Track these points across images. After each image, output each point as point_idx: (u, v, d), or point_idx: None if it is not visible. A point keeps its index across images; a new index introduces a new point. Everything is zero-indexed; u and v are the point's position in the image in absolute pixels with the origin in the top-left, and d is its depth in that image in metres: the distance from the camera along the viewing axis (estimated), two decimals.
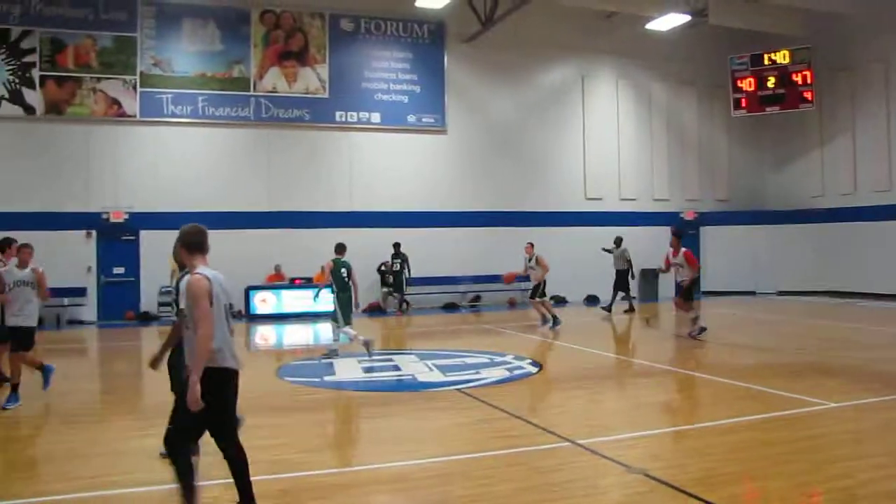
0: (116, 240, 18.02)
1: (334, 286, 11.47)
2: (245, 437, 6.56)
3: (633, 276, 18.50)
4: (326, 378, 9.74)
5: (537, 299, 15.26)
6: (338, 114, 19.34)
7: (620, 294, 18.09)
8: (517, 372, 9.79)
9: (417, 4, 18.27)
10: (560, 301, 20.65)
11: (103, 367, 12.34)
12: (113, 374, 11.64)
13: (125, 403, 8.96)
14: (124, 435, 6.99)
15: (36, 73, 17.75)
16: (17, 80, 17.65)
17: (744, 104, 22.02)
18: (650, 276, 21.99)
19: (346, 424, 7.40)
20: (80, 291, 17.78)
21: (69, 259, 17.59)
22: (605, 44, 21.30)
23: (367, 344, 11.07)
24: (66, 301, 17.70)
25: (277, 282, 18.66)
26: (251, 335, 15.94)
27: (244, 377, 10.04)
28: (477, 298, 20.14)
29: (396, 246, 18.76)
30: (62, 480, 5.51)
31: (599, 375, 9.81)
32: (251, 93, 18.87)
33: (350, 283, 11.49)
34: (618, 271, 18.08)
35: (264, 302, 18.29)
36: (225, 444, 4.50)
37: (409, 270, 18.76)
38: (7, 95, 17.57)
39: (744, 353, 11.70)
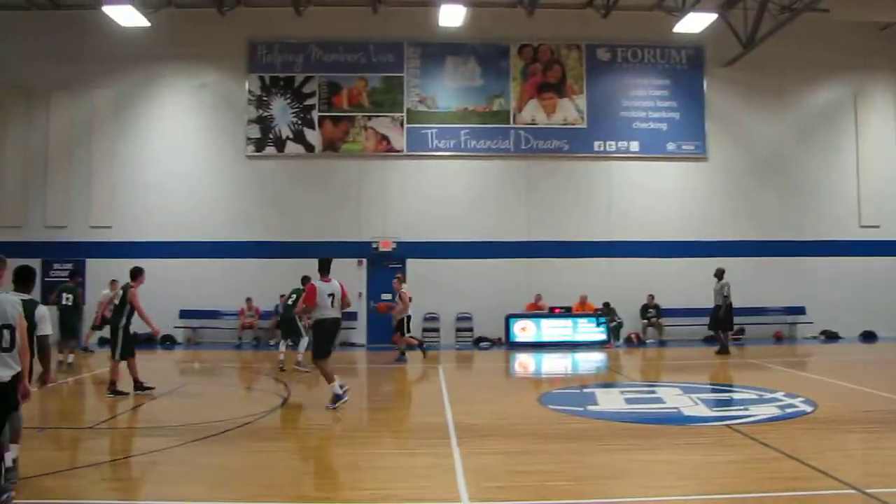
0: (384, 268, 19.98)
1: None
2: (512, 462, 7.22)
3: (730, 314, 17.08)
4: (590, 407, 10.12)
5: (398, 335, 16.05)
6: (596, 143, 20.48)
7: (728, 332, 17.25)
8: (790, 410, 9.62)
9: (675, 30, 19.03)
10: (832, 337, 20.35)
11: (371, 388, 13.60)
12: (381, 394, 12.78)
13: (394, 423, 9.93)
14: (397, 452, 7.83)
15: (315, 115, 20.38)
16: (299, 122, 20.37)
17: None
18: None
19: (612, 455, 7.50)
20: (352, 316, 19.86)
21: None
22: (881, 59, 20.98)
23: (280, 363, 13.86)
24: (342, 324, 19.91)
25: (537, 311, 19.88)
26: (511, 362, 17.02)
27: (508, 403, 10.66)
28: (740, 332, 20.28)
29: None
30: (348, 489, 6.34)
31: (882, 419, 9.23)
32: (511, 125, 20.46)
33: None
34: (715, 307, 17.10)
35: (524, 330, 19.46)
36: None
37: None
38: (291, 135, 20.31)
39: None
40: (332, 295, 10.22)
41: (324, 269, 10.43)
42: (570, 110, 20.48)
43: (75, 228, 20.27)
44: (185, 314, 19.58)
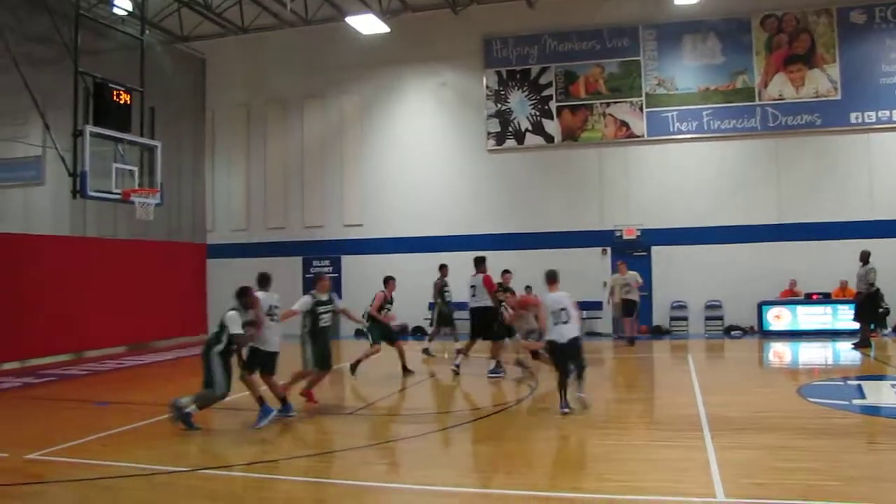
0: (629, 256, 21.28)
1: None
2: (772, 458, 7.12)
3: (881, 305, 16.10)
4: (856, 401, 10.04)
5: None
6: (853, 115, 20.38)
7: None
8: None
9: None
10: None
11: (619, 377, 14.31)
12: (628, 385, 13.36)
13: (644, 413, 10.37)
14: (647, 443, 8.05)
15: (553, 105, 21.94)
16: (537, 113, 22.05)
17: None
18: None
19: (886, 455, 7.31)
20: (597, 305, 21.35)
21: (585, 275, 21.17)
22: None
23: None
24: (584, 314, 21.49)
25: (792, 297, 20.39)
26: (765, 352, 17.40)
27: (764, 394, 10.83)
28: None
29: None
30: (598, 480, 6.61)
31: None
32: (756, 102, 20.88)
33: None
34: (857, 294, 16.10)
35: (778, 318, 19.93)
36: None
37: None
38: (531, 127, 22.05)
39: None
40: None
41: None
42: (822, 81, 20.62)
43: (330, 227, 23.24)
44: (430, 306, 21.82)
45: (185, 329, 22.40)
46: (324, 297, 10.36)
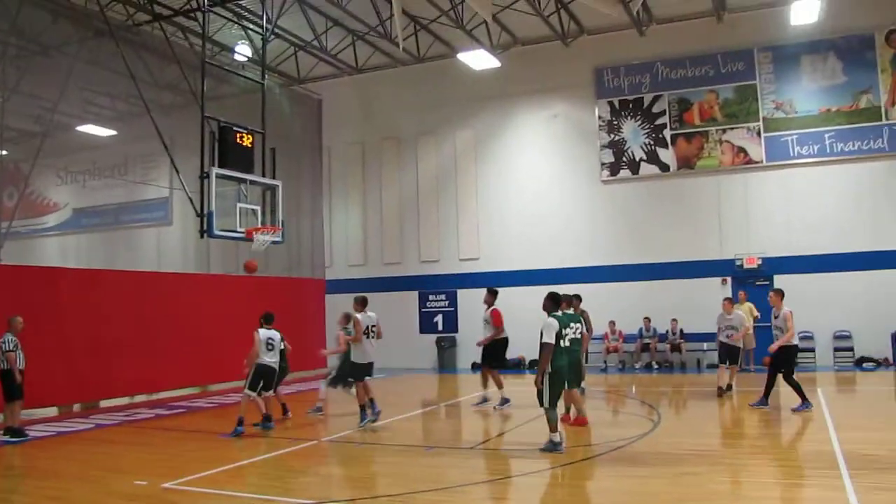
0: (750, 285, 21.57)
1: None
2: None
3: None
4: None
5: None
6: None
7: None
8: None
9: None
10: None
11: (742, 412, 13.56)
12: (756, 418, 12.65)
13: (775, 449, 10.28)
14: (781, 481, 8.20)
15: (667, 133, 22.56)
16: (651, 142, 22.75)
17: None
18: None
19: None
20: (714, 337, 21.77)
21: (706, 305, 21.51)
22: None
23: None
24: (704, 346, 21.99)
25: None
26: None
27: None
28: None
29: None
30: None
31: None
32: (883, 122, 20.80)
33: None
34: None
35: None
36: None
37: None
38: (645, 157, 22.75)
39: None
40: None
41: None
42: None
43: (446, 262, 24.50)
44: None
45: (305, 363, 23.86)
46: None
